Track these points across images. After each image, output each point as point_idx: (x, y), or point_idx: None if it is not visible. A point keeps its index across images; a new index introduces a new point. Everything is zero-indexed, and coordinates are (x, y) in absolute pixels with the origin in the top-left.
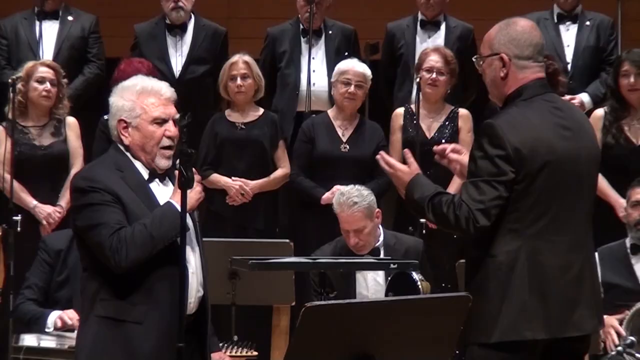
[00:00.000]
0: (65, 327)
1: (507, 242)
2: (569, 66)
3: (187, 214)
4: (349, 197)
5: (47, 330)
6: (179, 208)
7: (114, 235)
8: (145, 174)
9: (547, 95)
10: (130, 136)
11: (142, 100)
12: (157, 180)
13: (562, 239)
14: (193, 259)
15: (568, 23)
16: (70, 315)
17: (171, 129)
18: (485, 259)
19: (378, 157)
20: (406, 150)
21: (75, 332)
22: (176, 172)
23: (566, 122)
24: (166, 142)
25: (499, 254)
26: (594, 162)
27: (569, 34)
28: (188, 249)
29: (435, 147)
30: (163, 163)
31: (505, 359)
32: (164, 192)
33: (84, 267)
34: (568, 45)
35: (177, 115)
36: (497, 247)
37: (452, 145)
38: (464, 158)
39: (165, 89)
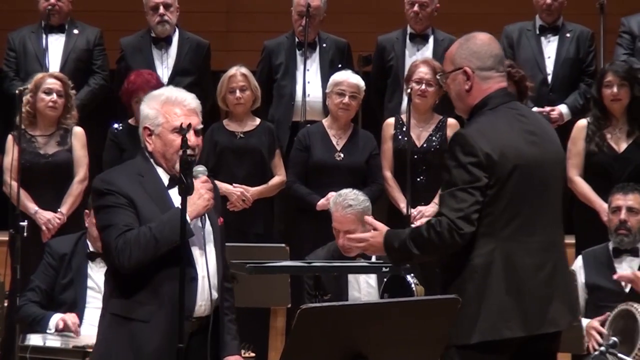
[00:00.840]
0: (66, 330)
1: (482, 245)
2: (549, 77)
3: (205, 219)
4: (345, 199)
5: (48, 331)
6: (186, 214)
7: (121, 236)
8: (165, 179)
9: (511, 103)
10: (153, 143)
11: (165, 109)
12: (178, 186)
13: (534, 240)
14: (203, 263)
15: (549, 35)
16: (72, 320)
17: (192, 138)
18: (461, 263)
19: (346, 242)
20: (366, 217)
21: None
22: (194, 179)
23: (531, 128)
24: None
25: (475, 257)
26: (559, 165)
27: (550, 46)
28: (197, 253)
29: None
30: None
31: (485, 359)
32: None
33: (107, 266)
34: (549, 57)
35: (200, 126)
36: (472, 251)
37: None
38: (363, 235)
39: (190, 100)
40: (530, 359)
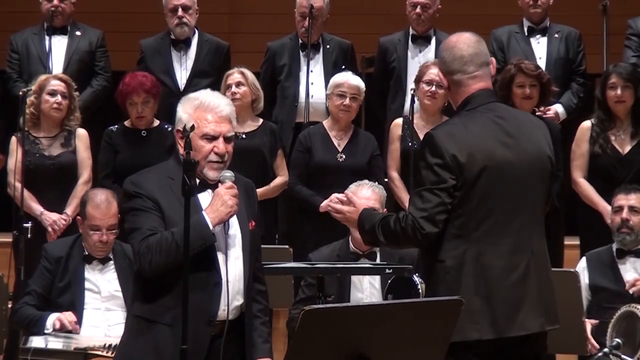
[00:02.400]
0: (64, 329)
1: (453, 246)
2: None
3: (229, 225)
4: (367, 183)
5: (46, 331)
6: (208, 220)
7: (144, 240)
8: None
9: (491, 104)
10: (183, 147)
11: (197, 114)
12: (209, 190)
13: (505, 242)
14: (225, 268)
15: (538, 36)
16: (69, 318)
17: (220, 146)
18: (435, 264)
19: (328, 209)
20: (347, 192)
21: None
22: (219, 184)
23: (508, 130)
24: (213, 157)
25: (447, 259)
26: (539, 167)
27: (540, 47)
28: (221, 259)
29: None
30: (211, 174)
31: (456, 359)
32: None
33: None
34: (540, 58)
35: (231, 133)
36: (444, 252)
37: (339, 196)
38: (346, 207)
39: (224, 106)
40: None
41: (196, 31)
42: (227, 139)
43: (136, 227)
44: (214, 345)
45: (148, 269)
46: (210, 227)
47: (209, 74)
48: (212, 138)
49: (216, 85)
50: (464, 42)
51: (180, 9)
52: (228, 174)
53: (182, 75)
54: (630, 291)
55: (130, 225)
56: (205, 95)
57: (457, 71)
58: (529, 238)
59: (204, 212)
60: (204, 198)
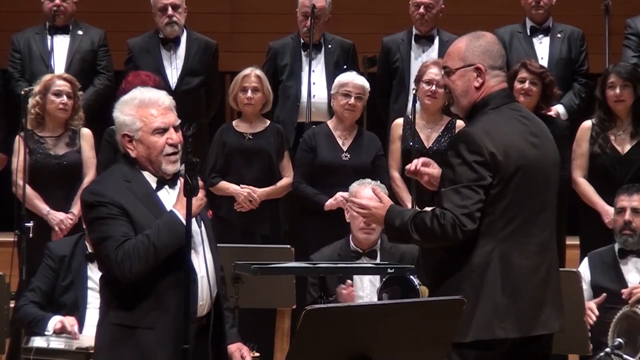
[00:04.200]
0: (64, 332)
1: (481, 244)
2: None
3: (200, 219)
4: (370, 182)
5: (46, 333)
6: (180, 216)
7: (119, 248)
8: (153, 183)
9: (513, 104)
10: (135, 149)
11: (141, 113)
12: (166, 187)
13: (531, 241)
14: (199, 263)
15: (540, 36)
16: (71, 322)
17: (173, 136)
18: (459, 261)
19: (349, 205)
20: (373, 187)
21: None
22: (181, 179)
23: (533, 130)
24: (169, 149)
25: (474, 256)
26: (556, 167)
27: (542, 47)
28: (193, 255)
29: (407, 167)
30: (170, 168)
31: (479, 357)
32: (173, 199)
33: (101, 276)
34: (542, 58)
35: (178, 122)
36: (471, 250)
37: (422, 159)
38: (433, 170)
39: (164, 98)
40: None
41: (185, 30)
42: (175, 128)
43: (107, 236)
44: (195, 344)
45: (130, 276)
46: (184, 223)
47: (198, 73)
48: (164, 130)
49: (206, 83)
50: (499, 42)
51: (170, 8)
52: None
53: (172, 74)
54: (624, 297)
55: (98, 234)
56: (141, 92)
57: (500, 67)
58: (550, 238)
59: (174, 209)
60: (164, 196)
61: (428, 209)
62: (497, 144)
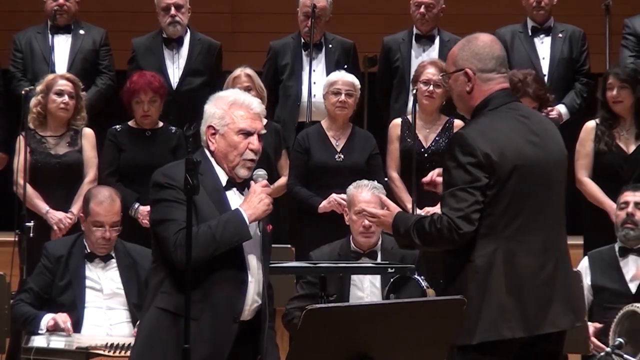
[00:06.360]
0: (57, 329)
1: (483, 245)
2: (545, 78)
3: (260, 224)
4: (367, 184)
5: (40, 331)
6: (245, 216)
7: (180, 232)
8: (223, 180)
9: (512, 104)
10: (216, 143)
11: (232, 110)
12: (234, 189)
13: (535, 240)
14: (253, 267)
15: (542, 36)
16: (63, 319)
17: (255, 142)
18: (463, 264)
19: (363, 213)
20: (381, 196)
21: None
22: (252, 182)
23: (533, 128)
24: (249, 154)
25: (476, 258)
26: (561, 166)
27: (543, 47)
28: (251, 257)
29: (422, 180)
30: (243, 173)
31: (487, 359)
32: (238, 201)
33: (153, 259)
34: (543, 58)
35: (264, 131)
36: (474, 251)
37: (437, 170)
38: None
39: (256, 105)
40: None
41: (188, 30)
42: (259, 137)
43: (170, 218)
44: (234, 346)
45: (184, 261)
46: (248, 223)
47: (201, 73)
48: (248, 134)
49: (209, 84)
50: (497, 43)
51: (173, 8)
52: (261, 172)
53: (174, 74)
54: (628, 284)
55: (162, 216)
56: (238, 93)
57: (492, 70)
58: (557, 236)
59: (240, 208)
60: (231, 197)
61: (431, 209)
62: (492, 144)
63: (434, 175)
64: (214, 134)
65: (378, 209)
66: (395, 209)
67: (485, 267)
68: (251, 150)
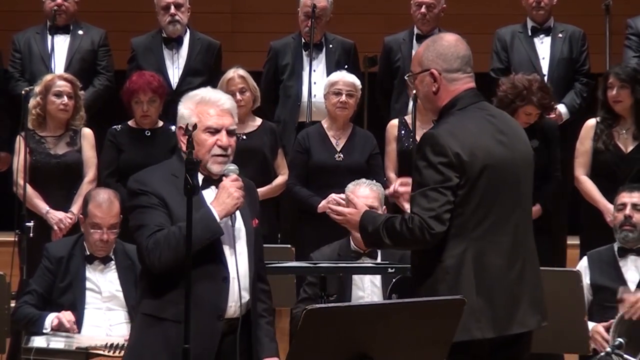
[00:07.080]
0: (62, 328)
1: (453, 246)
2: (545, 78)
3: (235, 218)
4: (365, 182)
5: (44, 331)
6: (215, 213)
7: (152, 236)
8: (200, 179)
9: (480, 103)
10: (185, 144)
11: (199, 109)
12: (212, 186)
13: (504, 240)
14: (233, 263)
15: (542, 36)
16: (68, 317)
17: (223, 139)
18: (433, 264)
19: (327, 211)
20: (348, 193)
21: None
22: (223, 178)
23: (501, 128)
24: (217, 150)
25: (447, 258)
26: (528, 165)
27: (543, 47)
28: (228, 252)
29: (386, 192)
30: (215, 169)
31: (460, 359)
32: None
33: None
34: (543, 58)
35: (233, 127)
36: (443, 252)
37: (400, 180)
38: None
39: (225, 100)
40: None
41: (188, 29)
42: (229, 133)
43: (142, 224)
44: (222, 344)
45: (157, 265)
46: (218, 219)
47: (201, 73)
48: (215, 131)
49: (208, 83)
50: (462, 42)
51: (172, 7)
52: (232, 167)
53: (174, 73)
54: (618, 296)
55: (136, 222)
56: (206, 91)
57: (457, 70)
58: (525, 235)
59: (210, 205)
60: (208, 195)
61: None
62: (463, 144)
63: (396, 186)
64: (183, 134)
65: (377, 203)
66: (363, 207)
67: (455, 268)
68: (219, 146)
